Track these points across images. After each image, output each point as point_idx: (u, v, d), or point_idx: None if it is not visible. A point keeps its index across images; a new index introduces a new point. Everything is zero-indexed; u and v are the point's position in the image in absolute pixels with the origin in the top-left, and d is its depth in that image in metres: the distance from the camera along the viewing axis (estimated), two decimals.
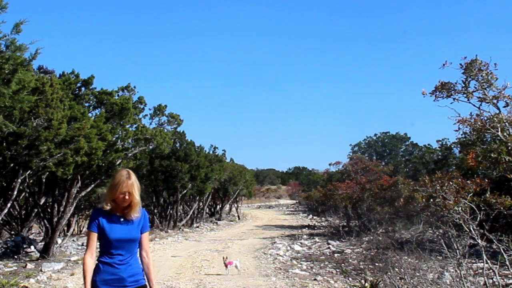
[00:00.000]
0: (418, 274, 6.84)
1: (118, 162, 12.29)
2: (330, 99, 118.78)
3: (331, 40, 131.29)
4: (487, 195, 6.28)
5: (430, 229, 12.18)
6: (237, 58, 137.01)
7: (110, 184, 3.12)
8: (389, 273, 6.95)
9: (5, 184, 10.39)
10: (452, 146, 19.98)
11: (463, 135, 8.44)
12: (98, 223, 3.09)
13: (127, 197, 3.05)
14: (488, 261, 5.91)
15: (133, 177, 3.10)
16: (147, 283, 3.21)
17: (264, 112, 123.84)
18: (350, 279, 8.61)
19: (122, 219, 3.12)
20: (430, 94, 6.97)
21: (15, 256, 11.21)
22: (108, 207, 3.10)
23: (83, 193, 11.96)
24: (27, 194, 12.60)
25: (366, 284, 7.29)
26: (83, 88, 12.31)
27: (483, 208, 6.12)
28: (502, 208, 6.08)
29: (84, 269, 3.07)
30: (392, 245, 10.95)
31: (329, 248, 13.23)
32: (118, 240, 3.08)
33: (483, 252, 5.72)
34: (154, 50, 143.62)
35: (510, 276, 7.53)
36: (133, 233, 3.14)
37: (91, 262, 3.09)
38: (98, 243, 3.14)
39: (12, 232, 12.94)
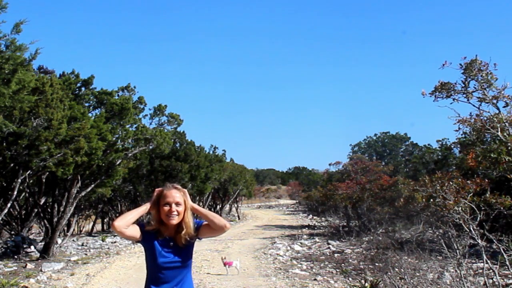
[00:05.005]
0: (418, 274, 6.85)
1: (118, 162, 12.31)
2: (330, 99, 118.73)
3: (331, 40, 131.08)
4: (487, 195, 6.29)
5: (430, 229, 12.18)
6: (237, 58, 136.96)
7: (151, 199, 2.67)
8: (389, 273, 6.96)
9: (5, 184, 10.39)
10: (452, 146, 19.93)
11: (463, 135, 8.47)
12: (146, 234, 2.63)
13: (173, 209, 2.57)
14: (488, 261, 5.91)
15: (181, 188, 2.67)
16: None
17: (264, 112, 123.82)
18: (350, 279, 8.61)
19: (171, 243, 2.64)
20: (430, 94, 6.98)
21: (15, 256, 11.22)
22: (153, 226, 2.63)
23: (83, 193, 11.97)
24: (27, 194, 12.62)
25: (366, 284, 7.29)
26: (83, 88, 12.35)
27: (483, 208, 6.13)
28: (502, 208, 6.09)
29: (126, 215, 2.58)
30: (392, 245, 10.96)
31: (329, 248, 13.23)
32: (165, 268, 2.63)
33: (483, 252, 5.72)
34: (154, 50, 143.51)
35: (510, 276, 7.53)
36: (184, 259, 2.68)
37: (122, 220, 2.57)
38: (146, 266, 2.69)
39: (12, 232, 12.94)
